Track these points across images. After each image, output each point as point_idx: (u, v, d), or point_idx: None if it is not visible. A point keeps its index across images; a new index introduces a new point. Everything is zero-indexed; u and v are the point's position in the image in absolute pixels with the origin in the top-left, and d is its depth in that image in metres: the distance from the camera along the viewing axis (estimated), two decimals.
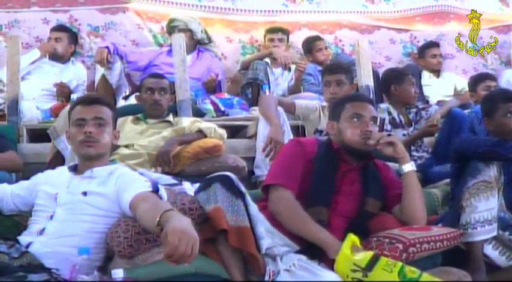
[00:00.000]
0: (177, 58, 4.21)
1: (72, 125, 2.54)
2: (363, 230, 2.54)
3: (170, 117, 3.78)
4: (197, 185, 2.65)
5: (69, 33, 5.00)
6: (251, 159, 3.79)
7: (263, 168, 3.63)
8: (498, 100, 3.08)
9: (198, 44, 5.12)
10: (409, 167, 2.66)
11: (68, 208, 2.39)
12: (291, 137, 3.62)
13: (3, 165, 3.25)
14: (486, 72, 5.26)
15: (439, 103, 4.88)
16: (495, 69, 5.90)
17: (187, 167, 3.49)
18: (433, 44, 5.74)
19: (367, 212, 2.64)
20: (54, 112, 4.21)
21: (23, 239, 2.37)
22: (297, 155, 2.62)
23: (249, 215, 2.39)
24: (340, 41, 5.75)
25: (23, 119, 4.04)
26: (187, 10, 5.37)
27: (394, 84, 4.18)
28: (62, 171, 2.60)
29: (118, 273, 2.05)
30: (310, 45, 5.31)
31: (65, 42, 4.93)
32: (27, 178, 2.65)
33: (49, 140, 3.64)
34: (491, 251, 2.70)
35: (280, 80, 5.12)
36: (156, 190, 2.35)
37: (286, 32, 5.39)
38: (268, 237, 2.38)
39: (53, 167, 2.78)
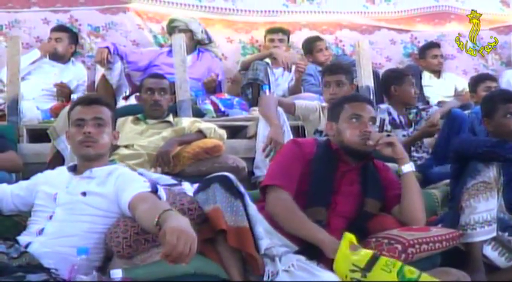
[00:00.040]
0: (177, 58, 4.21)
1: (72, 125, 2.55)
2: (362, 230, 2.54)
3: (170, 118, 3.78)
4: (197, 185, 2.66)
5: (70, 33, 5.00)
6: (251, 160, 3.78)
7: (263, 169, 3.63)
8: (498, 101, 3.08)
9: (198, 45, 5.11)
10: (408, 167, 2.66)
11: (67, 208, 2.39)
12: (291, 137, 3.61)
13: (3, 166, 3.25)
14: (486, 73, 5.26)
15: (440, 104, 4.89)
16: (496, 69, 5.90)
17: (187, 167, 3.49)
18: (434, 45, 5.74)
19: (367, 213, 2.64)
20: (54, 112, 4.21)
21: (22, 239, 2.37)
22: (295, 155, 2.62)
23: (248, 215, 2.40)
24: (341, 41, 5.75)
25: (23, 119, 4.04)
26: (187, 10, 5.38)
27: (394, 84, 4.18)
28: (61, 171, 2.60)
29: (117, 273, 2.05)
30: (311, 46, 5.31)
31: (65, 43, 4.93)
32: (27, 178, 2.65)
33: (49, 140, 3.64)
34: (491, 252, 2.70)
35: (280, 81, 5.12)
36: (155, 190, 2.36)
37: (286, 32, 5.39)
38: (267, 238, 2.39)
39: (53, 167, 2.78)
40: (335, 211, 2.59)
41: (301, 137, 3.92)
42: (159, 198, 2.34)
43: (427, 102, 5.09)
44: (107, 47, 4.63)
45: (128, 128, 3.67)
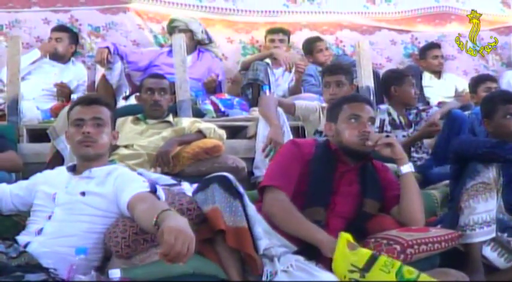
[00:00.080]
0: (177, 58, 4.21)
1: (71, 125, 2.55)
2: (361, 231, 2.54)
3: (170, 118, 3.78)
4: (196, 185, 2.65)
5: (70, 33, 5.00)
6: (251, 160, 3.78)
7: (262, 169, 3.62)
8: (498, 101, 3.08)
9: (198, 45, 5.12)
10: (407, 168, 2.66)
11: (66, 208, 2.39)
12: (291, 138, 3.61)
13: (3, 165, 3.26)
14: (487, 74, 5.26)
15: (440, 104, 4.88)
16: (496, 70, 5.90)
17: (186, 167, 3.49)
18: (435, 45, 5.74)
19: (365, 213, 2.63)
20: (54, 112, 4.21)
21: (21, 238, 2.37)
22: (293, 156, 2.62)
23: (246, 215, 2.40)
24: (341, 41, 5.75)
25: (23, 119, 4.04)
26: (188, 10, 5.38)
27: (394, 85, 4.18)
28: (61, 171, 2.60)
29: (115, 273, 2.05)
30: (311, 46, 5.31)
31: (66, 43, 4.93)
32: (27, 178, 2.65)
33: (49, 140, 3.64)
34: (490, 253, 2.70)
35: (280, 81, 5.12)
36: (154, 190, 2.36)
37: (287, 32, 5.40)
38: (266, 238, 2.39)
39: (52, 167, 2.78)
40: (334, 211, 2.58)
41: (301, 137, 3.92)
42: (158, 198, 2.34)
43: (428, 103, 5.09)
44: (107, 47, 4.63)
45: (127, 128, 3.67)
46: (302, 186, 2.56)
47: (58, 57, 4.89)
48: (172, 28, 5.04)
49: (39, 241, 2.32)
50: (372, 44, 5.59)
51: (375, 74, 4.52)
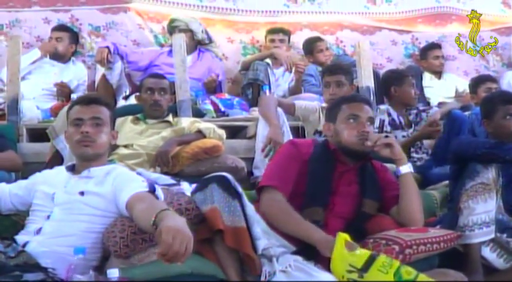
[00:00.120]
0: (177, 58, 4.21)
1: (70, 124, 2.55)
2: (360, 231, 2.55)
3: (170, 118, 3.79)
4: (195, 185, 2.66)
5: (70, 33, 5.01)
6: (251, 160, 3.78)
7: (262, 169, 3.61)
8: (497, 102, 3.08)
9: (198, 45, 5.12)
10: (406, 168, 2.66)
11: (65, 208, 2.39)
12: (291, 138, 3.61)
13: (3, 165, 3.25)
14: (487, 74, 5.26)
15: (440, 105, 4.87)
16: (497, 71, 5.90)
17: (186, 167, 3.49)
18: (435, 46, 5.73)
19: (364, 213, 2.63)
20: (54, 112, 4.21)
21: (20, 238, 2.37)
22: (291, 156, 2.62)
23: (245, 215, 2.40)
24: (342, 42, 5.75)
25: (23, 119, 4.04)
26: (188, 10, 5.38)
27: (394, 85, 4.18)
28: (60, 171, 2.60)
29: (113, 272, 2.05)
30: (311, 46, 5.31)
31: (66, 42, 4.94)
32: (27, 178, 2.65)
33: (49, 140, 3.64)
34: (489, 253, 2.70)
35: (280, 81, 5.12)
36: (152, 190, 2.35)
37: (287, 32, 5.40)
38: (265, 238, 2.39)
39: (52, 167, 2.78)
40: (333, 212, 2.58)
41: (301, 137, 3.92)
42: (157, 198, 2.33)
43: (428, 103, 5.08)
44: (107, 47, 4.63)
45: (127, 127, 3.67)
46: (301, 186, 2.57)
47: (58, 57, 4.89)
48: (172, 28, 5.04)
49: (38, 241, 2.32)
50: (373, 44, 5.59)
51: (375, 74, 4.52)
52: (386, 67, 5.51)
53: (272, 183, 2.53)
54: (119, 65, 4.70)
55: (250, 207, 2.44)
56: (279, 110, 3.75)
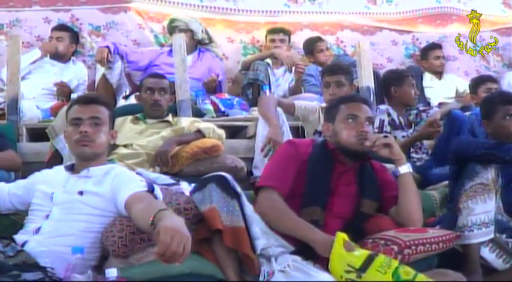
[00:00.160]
0: (177, 58, 4.21)
1: (69, 124, 2.56)
2: (359, 231, 2.54)
3: (169, 117, 3.79)
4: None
5: (71, 32, 5.01)
6: (251, 160, 3.77)
7: (261, 169, 3.59)
8: (497, 102, 3.07)
9: (199, 44, 5.12)
10: (405, 168, 2.66)
11: (64, 207, 2.39)
12: (290, 138, 3.61)
13: (2, 164, 3.26)
14: (487, 74, 5.26)
15: (441, 105, 4.87)
16: (497, 71, 5.90)
17: (185, 167, 3.48)
18: (436, 46, 5.73)
19: (363, 214, 2.63)
20: (54, 111, 4.20)
21: (19, 237, 2.37)
22: (290, 156, 2.61)
23: (244, 215, 2.41)
24: (342, 42, 5.75)
25: (22, 118, 4.04)
26: (188, 10, 5.37)
27: (393, 85, 4.18)
28: (59, 170, 2.60)
29: (111, 272, 2.05)
30: (312, 46, 5.31)
31: (67, 42, 4.94)
32: (26, 177, 2.65)
33: (49, 140, 3.64)
34: (488, 254, 2.70)
35: (281, 81, 5.12)
36: (151, 190, 2.35)
37: (287, 32, 5.39)
38: (264, 238, 2.39)
39: (51, 166, 2.77)
40: (332, 212, 2.58)
41: (301, 137, 3.92)
42: (156, 197, 2.33)
43: (428, 104, 5.08)
44: (107, 47, 4.63)
45: (127, 127, 3.67)
46: (300, 186, 2.56)
47: (59, 57, 4.89)
48: (172, 28, 5.04)
49: (37, 240, 2.32)
50: (373, 44, 5.60)
51: (375, 75, 4.51)
52: (387, 67, 5.50)
53: (269, 183, 2.53)
54: (119, 65, 4.70)
55: (249, 207, 2.44)
56: (279, 109, 3.75)
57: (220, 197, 2.38)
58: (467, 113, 4.17)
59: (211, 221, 2.36)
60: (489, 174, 2.73)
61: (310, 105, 4.00)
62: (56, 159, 3.48)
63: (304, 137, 3.95)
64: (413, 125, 4.14)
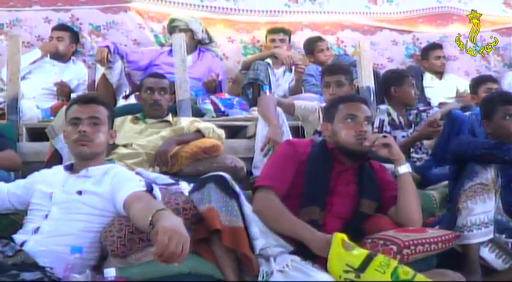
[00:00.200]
0: (177, 58, 4.21)
1: (68, 123, 2.56)
2: (358, 231, 2.54)
3: (169, 117, 3.78)
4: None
5: (71, 32, 5.01)
6: (250, 160, 3.77)
7: (261, 169, 3.62)
8: (497, 102, 3.07)
9: (199, 44, 5.12)
10: (404, 168, 2.65)
11: (63, 207, 2.40)
12: (290, 138, 3.61)
13: (2, 164, 3.26)
14: (488, 74, 5.25)
15: (441, 105, 4.87)
16: (498, 71, 5.89)
17: (185, 167, 3.47)
18: (437, 46, 5.73)
19: (363, 213, 2.62)
20: (54, 111, 4.21)
21: (18, 237, 2.38)
22: (288, 156, 2.61)
23: (243, 215, 2.41)
24: (342, 42, 5.75)
25: (22, 118, 4.04)
26: (188, 10, 5.37)
27: (394, 85, 4.17)
28: (58, 170, 2.61)
29: (110, 272, 2.05)
30: (312, 46, 5.31)
31: (67, 42, 4.94)
32: (26, 177, 2.65)
33: (48, 139, 3.64)
34: (488, 254, 2.69)
35: (281, 81, 5.12)
36: (150, 189, 2.35)
37: (287, 32, 5.40)
38: (262, 238, 2.39)
39: (51, 166, 2.78)
40: (331, 212, 2.57)
41: (300, 137, 3.92)
42: (154, 197, 2.34)
43: (428, 104, 5.07)
44: (107, 46, 4.63)
45: (126, 127, 3.67)
46: (298, 186, 2.56)
47: (59, 57, 4.89)
48: (172, 28, 5.04)
49: (36, 240, 2.33)
50: (373, 44, 5.61)
51: (376, 74, 4.51)
52: (387, 67, 5.50)
53: (267, 183, 2.52)
54: (119, 65, 4.70)
55: (248, 207, 2.44)
56: (279, 109, 3.74)
57: (219, 197, 2.39)
58: (467, 113, 4.16)
59: (210, 221, 2.36)
60: (489, 174, 2.72)
61: (310, 105, 3.99)
62: (55, 159, 3.48)
63: (304, 137, 3.94)
64: (413, 125, 4.13)
